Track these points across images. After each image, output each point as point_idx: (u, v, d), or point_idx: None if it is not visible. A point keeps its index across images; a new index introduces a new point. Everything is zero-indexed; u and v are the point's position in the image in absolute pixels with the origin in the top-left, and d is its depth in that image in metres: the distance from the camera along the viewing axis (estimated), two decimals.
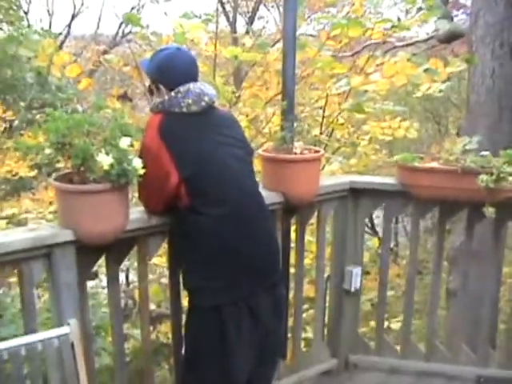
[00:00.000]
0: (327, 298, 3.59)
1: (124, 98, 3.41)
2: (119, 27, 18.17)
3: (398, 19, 4.35)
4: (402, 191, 3.18)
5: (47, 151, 2.25)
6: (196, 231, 2.32)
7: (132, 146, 2.25)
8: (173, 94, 2.36)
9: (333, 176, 3.34)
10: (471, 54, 7.66)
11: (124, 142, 2.22)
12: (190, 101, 2.34)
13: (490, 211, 2.95)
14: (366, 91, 4.20)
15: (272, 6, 18.28)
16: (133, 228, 2.40)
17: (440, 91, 4.39)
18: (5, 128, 10.37)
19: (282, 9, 18.30)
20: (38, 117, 11.38)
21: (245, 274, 2.34)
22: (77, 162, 2.16)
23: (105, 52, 14.94)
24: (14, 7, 12.47)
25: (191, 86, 2.37)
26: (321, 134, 4.81)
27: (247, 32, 12.47)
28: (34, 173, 5.55)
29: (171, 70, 2.41)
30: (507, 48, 6.89)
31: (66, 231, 2.23)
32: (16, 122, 10.91)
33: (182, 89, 2.35)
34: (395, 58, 4.48)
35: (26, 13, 14.97)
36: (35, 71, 11.83)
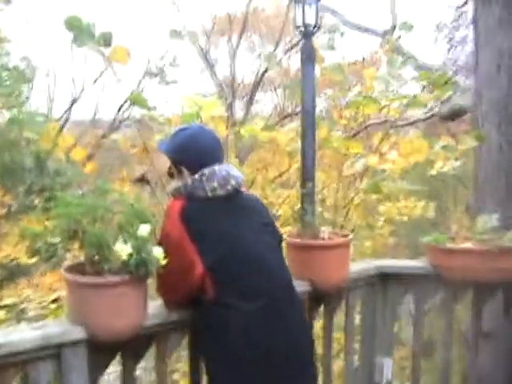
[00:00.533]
0: None
1: (142, 181, 3.23)
2: (118, 111, 18.34)
3: (414, 96, 4.23)
4: (433, 274, 2.97)
5: (56, 239, 2.07)
6: (221, 326, 2.07)
7: (151, 233, 2.05)
8: (197, 176, 2.18)
9: (359, 261, 3.12)
10: (476, 130, 7.64)
11: (143, 230, 2.02)
12: (215, 184, 2.16)
13: None
14: (383, 170, 4.06)
15: (271, 90, 18.60)
16: (151, 324, 2.17)
17: (454, 169, 4.27)
18: (4, 213, 10.21)
19: (279, 91, 18.61)
20: (36, 201, 11.28)
21: (275, 376, 2.08)
22: (91, 252, 1.95)
23: (104, 136, 14.98)
24: (16, 93, 12.56)
25: (217, 168, 2.19)
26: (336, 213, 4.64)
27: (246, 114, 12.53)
28: (34, 260, 5.34)
29: (194, 151, 2.23)
30: None
31: (78, 328, 2.00)
32: (15, 207, 10.76)
33: (206, 171, 2.17)
34: (408, 136, 4.37)
35: (27, 98, 15.06)
36: (34, 155, 11.84)
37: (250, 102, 15.96)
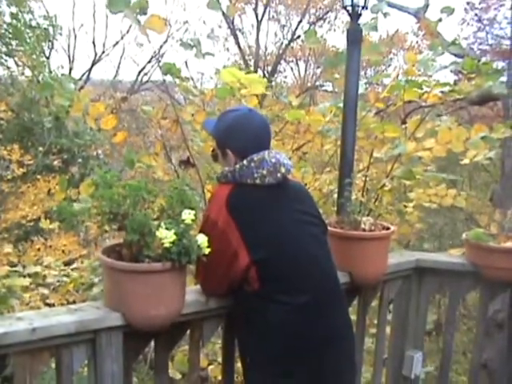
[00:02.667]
0: None
1: (186, 163, 3.12)
2: (138, 74, 18.24)
3: (455, 83, 4.09)
4: (471, 271, 2.88)
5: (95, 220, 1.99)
6: (265, 320, 1.99)
7: (194, 220, 1.96)
8: (245, 162, 2.07)
9: (396, 253, 3.02)
10: (507, 117, 7.48)
11: (187, 215, 1.94)
12: (264, 172, 2.04)
13: None
14: (420, 158, 3.94)
15: (292, 61, 18.40)
16: (188, 312, 2.09)
17: (488, 159, 4.14)
18: (23, 173, 10.19)
19: (301, 63, 18.39)
20: (55, 162, 11.24)
21: (320, 374, 2.00)
22: (133, 237, 1.87)
23: (124, 99, 14.89)
24: (37, 52, 12.45)
25: (266, 154, 2.08)
26: (363, 196, 4.53)
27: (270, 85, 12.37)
28: (53, 225, 5.28)
29: (242, 135, 2.13)
30: None
31: (115, 314, 1.94)
32: (33, 167, 10.74)
33: (255, 157, 2.07)
34: (440, 123, 4.24)
35: (47, 58, 14.98)
36: (54, 116, 11.74)
37: (273, 72, 15.80)
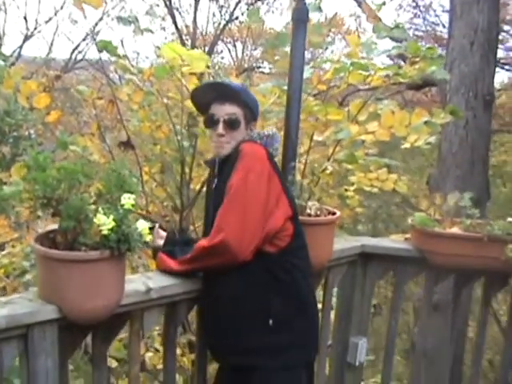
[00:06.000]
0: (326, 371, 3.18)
1: (126, 145, 2.96)
2: (72, 52, 17.68)
3: (399, 67, 4.06)
4: (417, 257, 2.85)
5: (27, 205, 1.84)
6: (288, 276, 2.10)
7: (133, 205, 1.83)
8: (270, 133, 2.27)
9: (341, 238, 2.97)
10: (444, 103, 7.55)
11: (126, 200, 1.81)
12: (277, 145, 2.30)
13: None
14: (363, 141, 3.90)
15: (229, 42, 18.21)
16: (127, 303, 1.97)
17: (428, 144, 4.14)
18: None
19: (238, 44, 18.23)
20: None
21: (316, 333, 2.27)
22: (68, 223, 1.73)
23: (57, 77, 14.41)
24: None
25: (275, 132, 2.30)
26: (303, 179, 4.47)
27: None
28: None
29: (259, 112, 2.39)
30: (481, 99, 6.80)
31: (49, 307, 1.80)
32: None
33: (270, 132, 2.28)
34: (383, 106, 4.20)
35: None
36: None
37: (210, 52, 15.57)
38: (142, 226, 1.80)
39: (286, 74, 3.35)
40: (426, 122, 3.99)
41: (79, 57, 17.85)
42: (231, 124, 2.21)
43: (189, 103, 3.32)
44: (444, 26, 11.54)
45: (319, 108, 4.00)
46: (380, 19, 6.73)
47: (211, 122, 2.24)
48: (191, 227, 3.83)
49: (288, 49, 3.20)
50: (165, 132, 3.83)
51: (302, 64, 2.99)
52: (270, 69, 17.18)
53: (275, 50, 4.66)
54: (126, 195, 1.82)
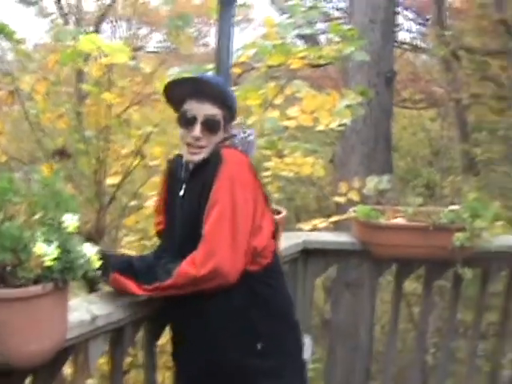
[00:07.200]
0: None
1: (62, 155, 2.62)
2: None
3: (320, 49, 3.94)
4: (359, 250, 2.76)
5: None
6: (274, 296, 1.98)
7: (78, 227, 1.57)
8: (251, 137, 2.04)
9: (282, 235, 2.80)
10: (345, 81, 7.56)
11: (69, 221, 1.54)
12: (254, 151, 2.07)
13: (465, 272, 2.63)
14: (286, 127, 3.77)
15: (115, 21, 17.56)
16: (73, 336, 1.71)
17: (342, 125, 4.07)
18: None
19: (123, 24, 17.62)
20: None
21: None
22: (5, 257, 1.44)
23: None
24: None
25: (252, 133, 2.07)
26: None
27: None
28: None
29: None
30: (382, 76, 6.86)
31: None
32: None
33: (252, 138, 2.04)
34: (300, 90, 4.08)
35: None
36: None
37: (96, 33, 14.95)
38: (90, 251, 1.54)
39: (190, 56, 3.14)
40: (348, 106, 3.91)
41: None
42: (211, 127, 1.95)
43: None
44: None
45: (239, 93, 3.82)
46: None
47: (186, 121, 1.96)
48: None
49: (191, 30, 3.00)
50: (66, 122, 3.52)
51: (230, 47, 2.80)
52: (155, 47, 16.75)
53: (180, 30, 4.41)
54: (67, 216, 1.55)
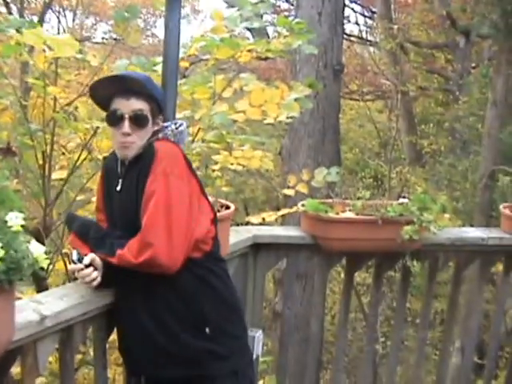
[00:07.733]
0: None
1: (7, 152, 2.53)
2: None
3: (268, 42, 3.93)
4: (309, 243, 2.78)
5: None
6: (222, 281, 2.04)
7: (23, 226, 1.53)
8: (182, 128, 2.08)
9: (231, 230, 2.80)
10: (293, 73, 7.58)
11: (14, 220, 1.51)
12: (186, 141, 2.17)
13: (414, 265, 2.67)
14: (235, 121, 3.75)
15: (59, 11, 17.21)
16: (20, 337, 1.67)
17: (291, 117, 4.09)
18: None
19: (68, 14, 17.31)
20: None
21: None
22: None
23: None
24: None
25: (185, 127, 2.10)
26: None
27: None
28: None
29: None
30: (330, 69, 6.91)
31: None
32: None
33: (183, 128, 2.08)
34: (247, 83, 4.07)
35: None
36: None
37: (40, 22, 14.60)
38: (37, 249, 1.51)
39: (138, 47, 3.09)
40: (297, 99, 3.92)
41: None
42: (138, 121, 1.97)
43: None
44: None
45: (187, 87, 3.79)
46: None
47: (114, 119, 1.98)
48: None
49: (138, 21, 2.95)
50: (11, 115, 3.43)
51: (178, 41, 2.74)
52: (102, 38, 16.49)
53: (126, 22, 4.34)
54: (12, 214, 1.51)
